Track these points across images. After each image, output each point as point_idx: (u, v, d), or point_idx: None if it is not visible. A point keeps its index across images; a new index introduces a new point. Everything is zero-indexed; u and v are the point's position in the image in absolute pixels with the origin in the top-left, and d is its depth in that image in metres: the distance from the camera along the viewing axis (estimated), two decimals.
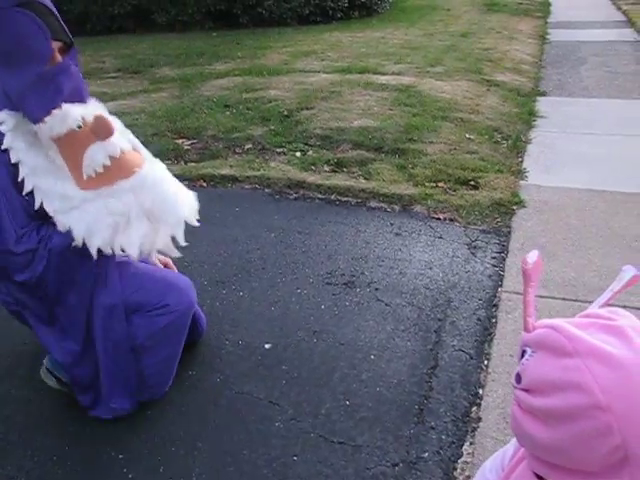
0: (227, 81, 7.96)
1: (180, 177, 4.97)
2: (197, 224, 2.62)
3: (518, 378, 1.04)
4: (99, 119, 2.31)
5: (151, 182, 2.43)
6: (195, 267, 3.75)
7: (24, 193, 2.32)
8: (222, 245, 4.02)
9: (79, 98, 2.32)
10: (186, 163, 5.45)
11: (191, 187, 4.80)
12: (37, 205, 2.33)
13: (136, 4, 12.65)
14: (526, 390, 1.02)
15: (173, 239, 2.54)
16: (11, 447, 2.57)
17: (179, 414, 2.68)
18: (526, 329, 1.05)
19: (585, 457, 0.97)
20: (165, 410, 2.70)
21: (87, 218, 2.34)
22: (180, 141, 5.92)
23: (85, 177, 2.33)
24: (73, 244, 2.36)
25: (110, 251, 2.39)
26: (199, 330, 3.04)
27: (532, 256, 1.07)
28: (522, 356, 1.05)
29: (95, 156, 2.32)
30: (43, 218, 2.38)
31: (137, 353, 2.61)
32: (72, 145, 2.31)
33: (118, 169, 2.36)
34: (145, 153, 2.58)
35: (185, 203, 2.60)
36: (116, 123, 2.47)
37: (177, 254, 2.59)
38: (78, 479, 2.40)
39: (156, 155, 5.41)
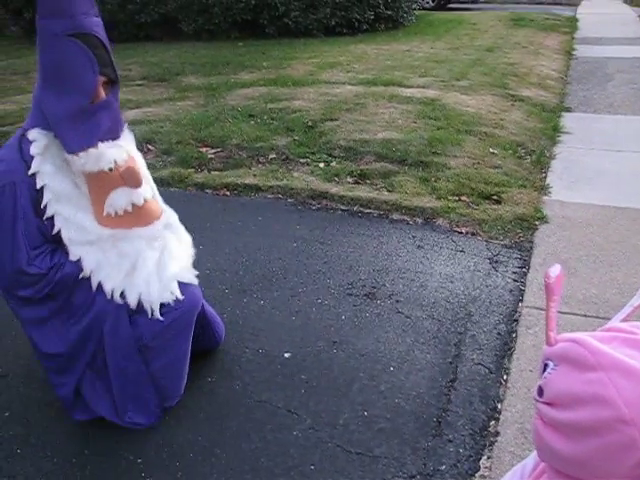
0: (252, 91, 8.00)
1: (203, 186, 5.10)
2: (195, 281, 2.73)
3: (540, 391, 1.04)
4: (131, 170, 2.38)
5: (165, 243, 2.58)
6: (217, 275, 3.77)
7: (44, 217, 2.37)
8: (244, 254, 4.05)
9: (115, 135, 2.39)
10: (210, 172, 5.49)
11: (214, 195, 4.94)
12: (55, 231, 2.39)
13: (163, 13, 12.77)
14: (549, 404, 1.02)
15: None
16: (31, 449, 2.60)
17: (197, 420, 2.69)
18: (548, 343, 1.05)
19: (609, 470, 0.97)
20: (183, 416, 2.72)
21: (99, 255, 2.44)
22: (204, 150, 5.96)
23: (105, 214, 2.40)
24: (80, 275, 2.45)
25: (116, 294, 2.47)
26: (216, 338, 3.06)
27: (555, 270, 1.07)
28: (544, 370, 1.05)
29: (119, 200, 2.40)
30: (57, 242, 2.43)
31: (144, 355, 2.61)
32: (100, 182, 2.38)
33: (137, 217, 2.47)
34: (162, 204, 2.70)
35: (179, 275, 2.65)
36: (142, 168, 2.56)
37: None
38: None
39: (180, 163, 5.50)
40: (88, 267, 2.44)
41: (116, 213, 2.40)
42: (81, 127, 2.26)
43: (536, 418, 1.07)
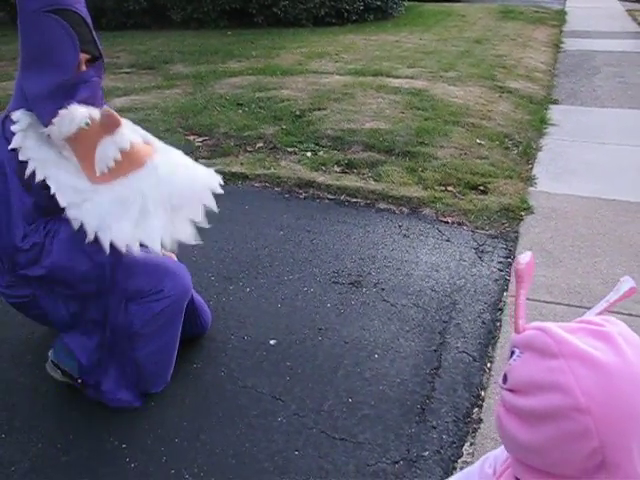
0: (240, 80, 7.98)
1: None
2: (221, 191, 2.58)
3: (505, 378, 1.05)
4: (105, 112, 2.33)
5: (164, 172, 2.42)
6: (202, 263, 3.77)
7: (35, 181, 2.32)
8: (230, 242, 4.05)
9: (91, 104, 2.34)
10: (197, 160, 5.40)
11: None
12: (52, 191, 2.31)
13: (152, 1, 12.69)
14: (511, 390, 1.03)
15: (194, 224, 2.50)
16: (16, 433, 2.60)
17: (182, 406, 2.70)
18: (516, 330, 1.06)
19: (563, 460, 0.98)
20: (169, 402, 2.72)
21: (100, 211, 2.32)
22: (192, 138, 5.95)
23: (98, 173, 2.35)
24: (86, 241, 2.35)
25: (133, 247, 2.34)
26: (203, 325, 3.06)
27: (525, 257, 1.08)
28: (511, 357, 1.06)
29: (106, 151, 2.33)
30: (52, 213, 2.39)
31: (132, 341, 2.62)
32: (83, 143, 2.33)
33: (129, 162, 2.38)
34: (158, 144, 2.58)
35: (204, 183, 2.55)
36: (124, 120, 2.50)
37: (197, 241, 2.51)
38: (81, 467, 2.43)
39: None
40: (91, 229, 2.31)
41: (108, 167, 2.32)
42: (58, 101, 2.23)
43: (499, 406, 1.08)
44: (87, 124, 2.28)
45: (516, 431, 1.02)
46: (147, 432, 2.58)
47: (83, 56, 2.24)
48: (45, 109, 2.26)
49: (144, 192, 2.36)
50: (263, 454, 2.46)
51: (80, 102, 2.28)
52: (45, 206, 2.36)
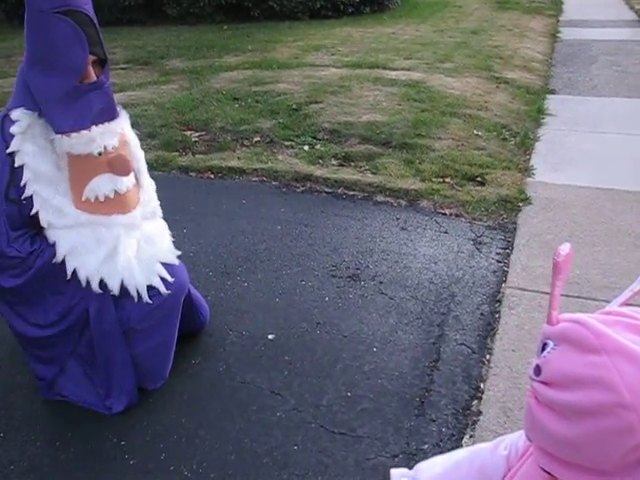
0: (237, 74, 7.97)
1: (188, 169, 5.08)
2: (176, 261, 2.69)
3: (537, 370, 1.02)
4: (122, 159, 2.35)
5: (146, 229, 2.57)
6: (200, 258, 3.76)
7: (23, 197, 2.31)
8: (228, 236, 4.04)
9: (109, 116, 2.34)
10: (194, 155, 5.46)
11: (198, 179, 4.92)
12: (34, 211, 2.33)
13: None
14: (546, 383, 1.00)
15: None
16: (14, 432, 2.59)
17: (181, 402, 2.69)
18: (549, 322, 1.02)
19: (602, 455, 0.96)
20: (167, 398, 2.72)
21: (75, 239, 2.38)
22: (188, 133, 5.93)
23: (84, 198, 2.36)
24: (53, 260, 2.39)
25: (92, 282, 2.42)
26: (201, 320, 3.05)
27: (565, 248, 1.05)
28: (543, 349, 1.03)
29: (102, 186, 2.36)
30: (38, 226, 2.39)
31: (130, 338, 2.60)
32: (84, 166, 2.33)
33: (117, 204, 2.42)
34: (145, 172, 2.66)
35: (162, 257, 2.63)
36: (135, 147, 2.53)
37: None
38: (79, 465, 2.42)
39: (164, 146, 5.47)
40: (61, 252, 2.38)
41: (96, 198, 2.36)
42: (72, 107, 2.21)
43: (529, 397, 1.04)
44: (100, 154, 2.29)
45: (551, 425, 0.99)
46: (145, 429, 2.57)
47: (91, 58, 2.22)
48: (59, 116, 2.24)
49: (120, 237, 2.43)
50: (262, 449, 2.45)
51: (96, 114, 2.27)
52: (28, 216, 2.35)
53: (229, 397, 2.71)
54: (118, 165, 2.34)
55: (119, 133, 2.38)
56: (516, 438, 1.33)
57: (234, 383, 2.79)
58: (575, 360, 0.96)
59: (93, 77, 2.25)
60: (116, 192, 2.39)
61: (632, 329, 0.97)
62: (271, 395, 2.71)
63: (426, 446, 2.44)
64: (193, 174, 5.10)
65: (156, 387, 2.76)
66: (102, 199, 2.37)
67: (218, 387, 2.77)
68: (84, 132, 2.24)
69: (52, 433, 2.58)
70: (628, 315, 1.00)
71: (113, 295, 2.49)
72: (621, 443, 0.93)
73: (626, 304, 1.08)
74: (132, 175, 2.50)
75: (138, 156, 2.59)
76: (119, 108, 2.43)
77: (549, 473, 1.06)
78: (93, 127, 2.26)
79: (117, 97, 2.45)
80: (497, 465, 1.30)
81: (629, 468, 0.95)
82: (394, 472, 1.35)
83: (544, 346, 1.03)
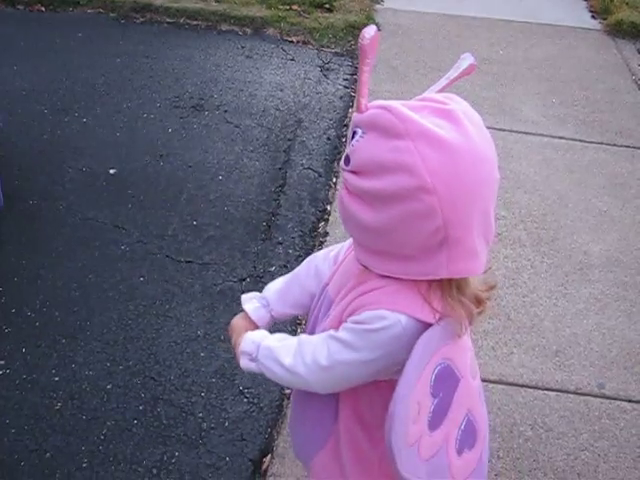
0: None
1: (14, 1, 4.64)
2: None
3: (347, 160, 0.99)
4: None
5: None
6: (34, 95, 3.51)
7: None
8: (63, 72, 3.77)
9: None
10: None
11: (27, 12, 4.52)
12: None
13: None
14: (355, 172, 0.98)
15: None
16: None
17: (19, 244, 2.57)
18: (358, 109, 0.99)
19: (406, 239, 0.96)
20: (4, 241, 2.58)
21: None
22: None
23: None
24: None
25: None
26: None
27: (370, 31, 0.99)
28: (353, 137, 1.00)
29: None
30: None
31: None
32: None
33: None
34: None
35: None
36: None
37: None
38: None
39: None
40: None
41: None
42: None
43: (342, 188, 1.03)
44: None
45: (360, 213, 0.98)
46: None
47: None
48: None
49: None
50: (107, 283, 2.40)
51: None
52: None
53: (71, 235, 2.61)
54: None
55: None
56: (348, 242, 1.33)
57: (75, 220, 2.68)
58: (381, 146, 0.94)
59: None
60: None
61: (439, 113, 0.95)
62: (115, 229, 2.63)
63: (273, 268, 2.46)
64: (20, 7, 4.65)
65: None
66: None
67: (58, 226, 2.66)
68: None
69: None
70: (438, 100, 0.98)
71: None
72: (423, 226, 0.94)
73: (442, 92, 1.06)
74: None
75: None
76: None
77: (364, 265, 1.06)
78: None
79: None
80: (329, 265, 1.30)
81: (430, 251, 0.97)
82: (244, 296, 1.35)
83: (354, 135, 0.99)
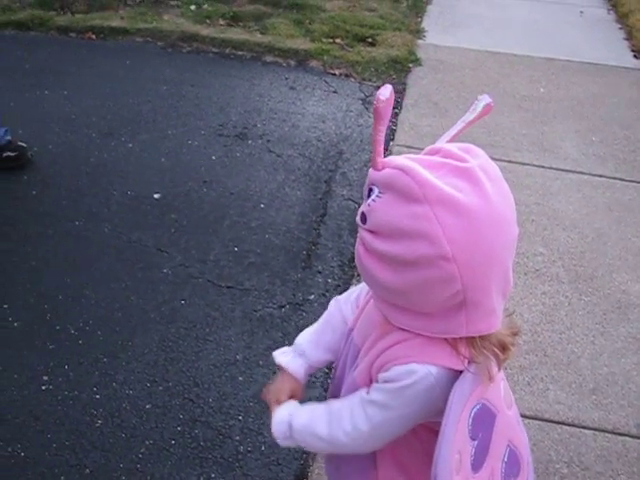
0: None
1: (67, 29, 4.77)
2: None
3: (364, 218, 0.99)
4: None
5: None
6: (82, 120, 3.60)
7: None
8: (111, 98, 3.86)
9: None
10: (73, 14, 5.13)
11: (79, 40, 4.64)
12: None
13: None
14: (372, 232, 0.98)
15: None
16: None
17: (65, 263, 2.63)
18: (374, 167, 0.99)
19: (426, 301, 0.97)
20: (50, 258, 2.65)
21: None
22: None
23: None
24: None
25: None
26: None
27: (385, 93, 0.99)
28: (369, 195, 0.99)
29: None
30: None
31: None
32: None
33: None
34: None
35: None
36: None
37: None
38: None
39: (39, 5, 5.11)
40: None
41: None
42: None
43: (359, 244, 1.02)
44: None
45: (378, 272, 0.98)
46: (29, 291, 2.51)
47: None
48: None
49: None
50: (149, 305, 2.45)
51: None
52: None
53: (115, 257, 2.67)
54: None
55: None
56: (356, 293, 1.34)
57: (120, 243, 2.74)
58: (399, 210, 0.94)
59: None
60: None
61: (458, 173, 0.95)
62: (158, 253, 2.68)
63: (312, 296, 2.49)
64: (73, 35, 4.80)
65: None
66: None
67: (103, 247, 2.72)
68: None
69: None
70: (456, 156, 0.97)
71: None
72: (443, 290, 0.94)
73: (457, 136, 1.06)
74: None
75: None
76: None
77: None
78: None
79: None
80: (352, 308, 1.30)
81: (450, 311, 0.97)
82: (276, 352, 1.34)
83: (370, 192, 0.99)
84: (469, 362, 1.03)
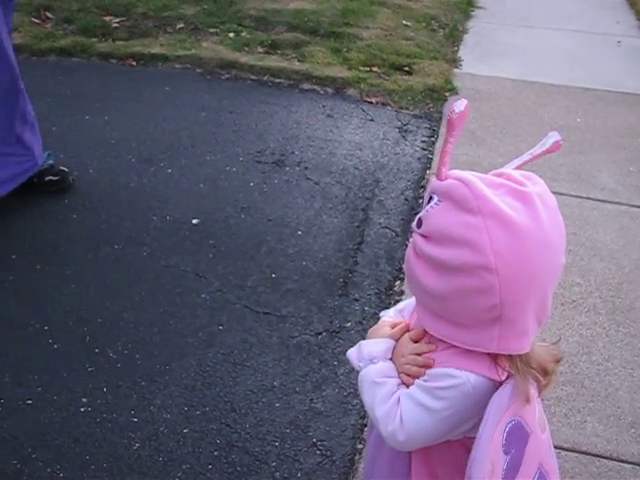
0: None
1: (108, 56, 4.87)
2: None
3: (419, 223, 1.04)
4: None
5: None
6: (123, 145, 3.66)
7: None
8: (150, 123, 3.93)
9: None
10: (114, 41, 5.23)
11: (120, 66, 4.73)
12: None
13: None
14: (425, 236, 1.03)
15: None
16: None
17: (104, 287, 2.67)
18: (438, 177, 1.04)
19: (462, 309, 1.01)
20: (89, 282, 2.68)
21: None
22: (108, 18, 5.65)
23: None
24: None
25: None
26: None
27: (460, 105, 1.04)
28: (428, 202, 1.05)
29: None
30: None
31: None
32: None
33: None
34: None
35: None
36: None
37: None
38: (3, 350, 2.38)
39: (82, 32, 5.22)
40: None
41: None
42: None
43: (410, 248, 1.08)
44: None
45: (424, 276, 1.03)
46: (69, 314, 2.54)
47: None
48: None
49: None
50: (187, 330, 2.47)
51: None
52: None
53: (153, 281, 2.70)
54: None
55: None
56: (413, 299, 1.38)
57: (158, 267, 2.77)
58: (453, 218, 0.99)
59: None
60: None
61: (515, 194, 0.99)
62: (195, 278, 2.71)
63: (349, 324, 2.50)
64: (114, 61, 4.89)
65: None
66: None
67: (142, 271, 2.75)
68: None
69: None
70: (517, 180, 1.02)
71: None
72: (480, 301, 0.98)
73: (522, 167, 1.09)
74: None
75: None
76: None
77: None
78: None
79: None
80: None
81: (483, 324, 1.00)
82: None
83: (430, 200, 1.05)
84: (508, 375, 1.06)
